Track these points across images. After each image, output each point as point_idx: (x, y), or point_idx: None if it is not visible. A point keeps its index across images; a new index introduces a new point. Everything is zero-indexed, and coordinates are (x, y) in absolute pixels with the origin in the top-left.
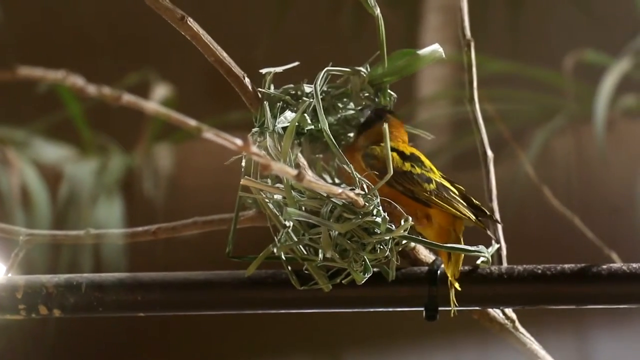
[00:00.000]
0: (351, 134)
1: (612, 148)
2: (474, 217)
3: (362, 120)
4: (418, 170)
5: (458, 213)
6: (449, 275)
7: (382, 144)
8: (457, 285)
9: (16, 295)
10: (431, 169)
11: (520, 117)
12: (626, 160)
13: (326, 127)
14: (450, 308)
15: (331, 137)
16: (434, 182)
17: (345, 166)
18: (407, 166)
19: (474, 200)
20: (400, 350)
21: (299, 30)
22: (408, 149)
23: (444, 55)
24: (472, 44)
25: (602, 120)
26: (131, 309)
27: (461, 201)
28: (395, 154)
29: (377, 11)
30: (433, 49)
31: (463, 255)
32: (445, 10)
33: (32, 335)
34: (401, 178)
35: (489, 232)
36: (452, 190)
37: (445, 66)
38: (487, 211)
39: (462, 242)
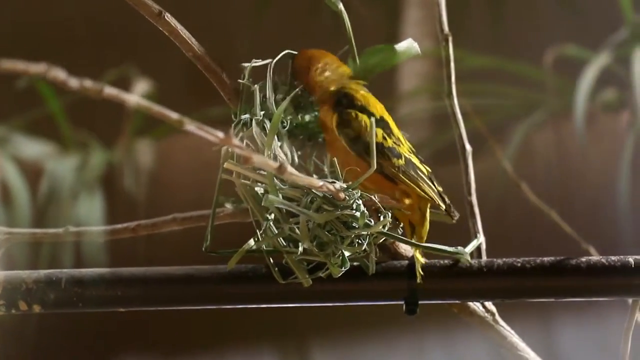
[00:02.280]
0: None
1: (592, 142)
2: (438, 199)
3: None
4: (389, 142)
5: (422, 193)
6: (412, 249)
7: (354, 111)
8: (420, 257)
9: None
10: (399, 139)
11: (501, 111)
12: (606, 154)
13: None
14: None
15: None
16: (403, 157)
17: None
18: (380, 137)
19: (437, 186)
20: (366, 338)
21: (280, 27)
22: (378, 109)
23: (419, 52)
24: (450, 39)
25: (582, 115)
26: (111, 304)
27: (427, 181)
28: (365, 117)
29: (340, 6)
30: (408, 44)
31: (427, 227)
32: (425, 4)
33: (12, 331)
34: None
35: (450, 217)
36: (419, 169)
37: (426, 61)
38: (446, 199)
39: (428, 220)
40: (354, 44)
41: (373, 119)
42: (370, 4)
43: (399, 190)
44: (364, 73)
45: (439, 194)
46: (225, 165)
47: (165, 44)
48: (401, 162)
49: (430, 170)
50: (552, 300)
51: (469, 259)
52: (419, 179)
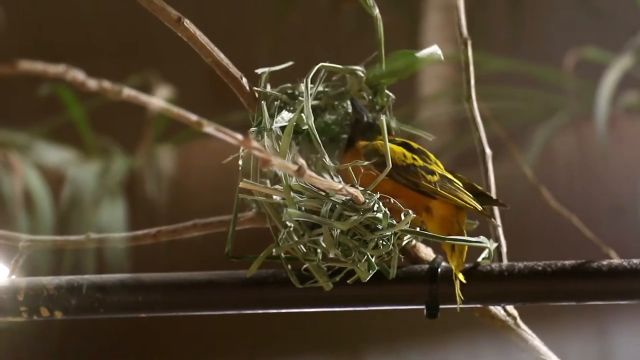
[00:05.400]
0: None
1: (613, 145)
2: (479, 206)
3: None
4: (421, 162)
5: (463, 203)
6: (453, 267)
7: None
8: (461, 277)
9: (17, 297)
10: (435, 162)
11: (522, 115)
12: (628, 157)
13: (311, 122)
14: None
15: (314, 131)
16: (436, 173)
17: (325, 159)
18: (410, 158)
19: (478, 187)
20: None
21: (300, 31)
22: (416, 145)
23: (442, 58)
24: (469, 43)
25: (603, 118)
26: (133, 309)
27: (465, 191)
28: (401, 148)
29: (376, 11)
30: (432, 51)
31: (467, 246)
32: (446, 9)
33: (35, 337)
34: (404, 171)
35: (492, 220)
36: (455, 182)
37: (447, 65)
38: (491, 195)
39: (465, 234)
40: (382, 48)
41: (384, 119)
42: (391, 8)
43: (420, 204)
44: (388, 78)
45: (481, 193)
46: (241, 184)
47: (185, 51)
48: (435, 177)
49: (466, 178)
50: (574, 303)
51: (491, 248)
52: (456, 190)
